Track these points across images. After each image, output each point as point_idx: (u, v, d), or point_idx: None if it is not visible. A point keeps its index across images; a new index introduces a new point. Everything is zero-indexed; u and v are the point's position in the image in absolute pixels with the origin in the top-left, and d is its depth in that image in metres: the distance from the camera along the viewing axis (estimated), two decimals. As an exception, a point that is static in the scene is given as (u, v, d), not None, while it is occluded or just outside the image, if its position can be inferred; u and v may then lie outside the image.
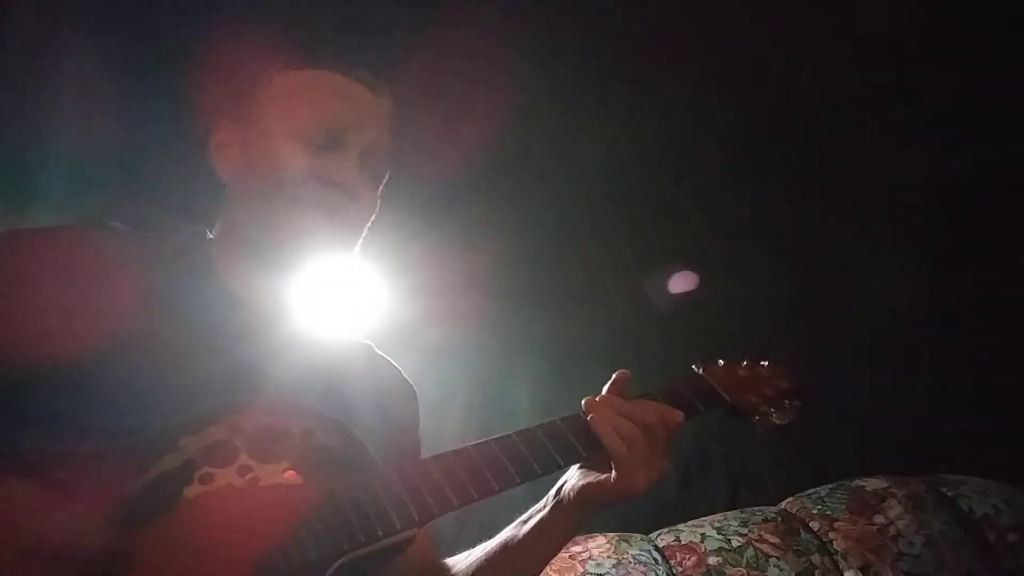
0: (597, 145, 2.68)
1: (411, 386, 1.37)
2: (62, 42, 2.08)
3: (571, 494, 1.15)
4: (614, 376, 1.21)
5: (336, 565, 0.91)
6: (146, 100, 2.13)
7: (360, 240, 1.28)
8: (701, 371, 1.30)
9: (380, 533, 0.94)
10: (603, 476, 1.12)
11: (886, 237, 2.80)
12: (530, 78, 2.48)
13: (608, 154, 2.70)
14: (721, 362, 1.32)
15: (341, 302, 2.27)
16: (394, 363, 1.38)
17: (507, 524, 1.24)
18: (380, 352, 1.37)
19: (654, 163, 2.72)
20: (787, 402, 1.30)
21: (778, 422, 1.28)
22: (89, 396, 0.97)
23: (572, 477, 1.17)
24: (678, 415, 1.15)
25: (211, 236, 1.26)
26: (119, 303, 1.04)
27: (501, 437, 1.09)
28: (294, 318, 1.23)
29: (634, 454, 1.10)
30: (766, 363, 1.36)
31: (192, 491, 0.91)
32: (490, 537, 1.24)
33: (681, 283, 2.77)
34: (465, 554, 1.24)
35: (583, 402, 1.17)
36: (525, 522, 1.19)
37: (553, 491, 1.19)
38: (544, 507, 1.19)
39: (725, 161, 2.76)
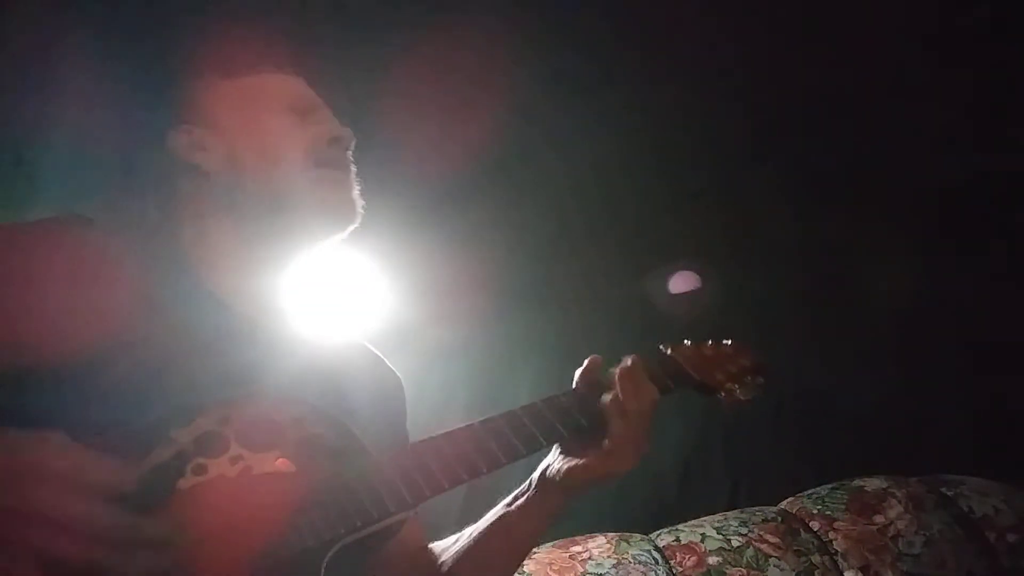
0: (599, 144, 2.68)
1: (396, 374, 1.39)
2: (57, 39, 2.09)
3: (556, 477, 1.18)
4: (586, 362, 1.25)
5: (334, 550, 0.92)
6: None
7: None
8: (669, 351, 1.35)
9: (375, 516, 0.96)
10: (586, 459, 1.16)
11: (888, 237, 2.80)
12: (531, 77, 2.49)
13: (609, 153, 2.70)
14: (687, 342, 1.37)
15: (341, 302, 2.28)
16: (380, 354, 1.39)
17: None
18: (369, 346, 1.39)
19: (656, 163, 2.72)
20: (749, 378, 1.36)
21: (742, 398, 1.34)
22: (75, 394, 0.96)
23: (554, 460, 1.21)
24: (654, 391, 1.20)
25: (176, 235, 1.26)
26: (102, 301, 1.04)
27: (486, 420, 1.12)
28: (279, 318, 1.24)
29: (628, 433, 1.15)
30: (729, 342, 1.41)
31: (186, 482, 0.91)
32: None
33: (682, 283, 2.77)
34: (453, 537, 1.27)
35: (582, 377, 1.23)
36: (510, 505, 1.23)
37: (536, 474, 1.22)
38: (528, 491, 1.22)
39: (727, 161, 2.76)
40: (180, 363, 1.04)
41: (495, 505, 1.26)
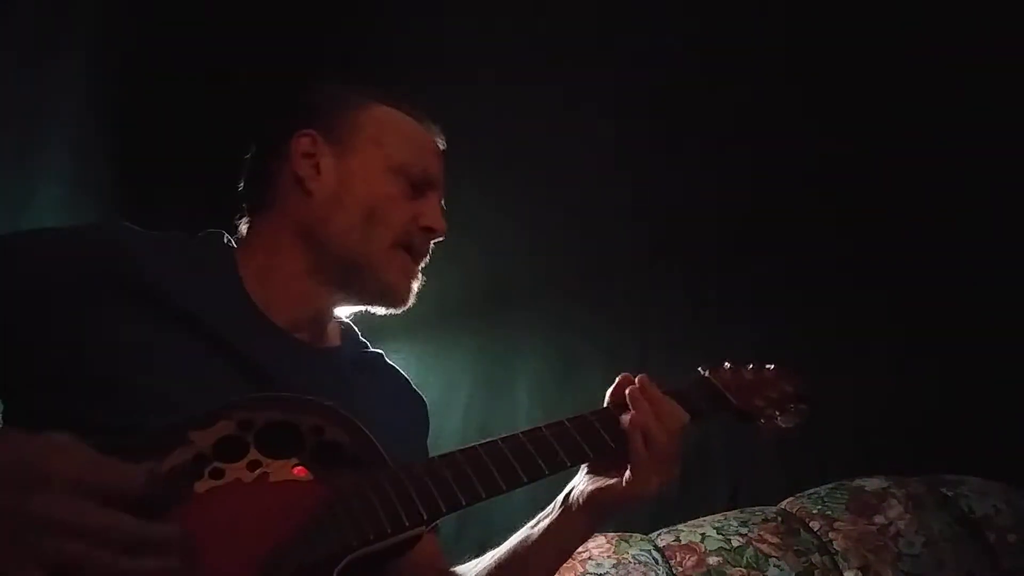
0: (598, 143, 2.68)
1: (421, 397, 1.39)
2: (64, 41, 2.09)
3: (580, 499, 1.16)
4: (618, 380, 1.21)
5: (345, 561, 0.91)
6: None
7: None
8: (707, 374, 1.30)
9: (389, 530, 0.94)
10: (612, 480, 1.13)
11: (887, 237, 2.80)
12: (536, 81, 2.50)
13: (608, 154, 2.70)
14: (727, 365, 1.33)
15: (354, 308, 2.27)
16: (403, 373, 1.39)
17: (510, 524, 1.24)
18: (390, 362, 1.39)
19: (655, 165, 2.73)
20: (792, 406, 1.31)
21: (783, 426, 1.29)
22: (99, 393, 0.98)
23: (580, 482, 1.18)
24: (683, 414, 1.17)
25: (231, 238, 1.28)
26: (132, 302, 1.05)
27: (508, 436, 1.08)
28: (308, 330, 1.24)
29: (652, 456, 1.11)
30: (771, 366, 1.36)
31: (202, 485, 0.91)
32: (491, 536, 1.25)
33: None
34: (474, 562, 1.24)
35: (612, 395, 1.19)
36: (534, 527, 1.20)
37: (561, 496, 1.19)
38: (552, 512, 1.19)
39: (726, 162, 2.76)
40: (205, 364, 1.05)
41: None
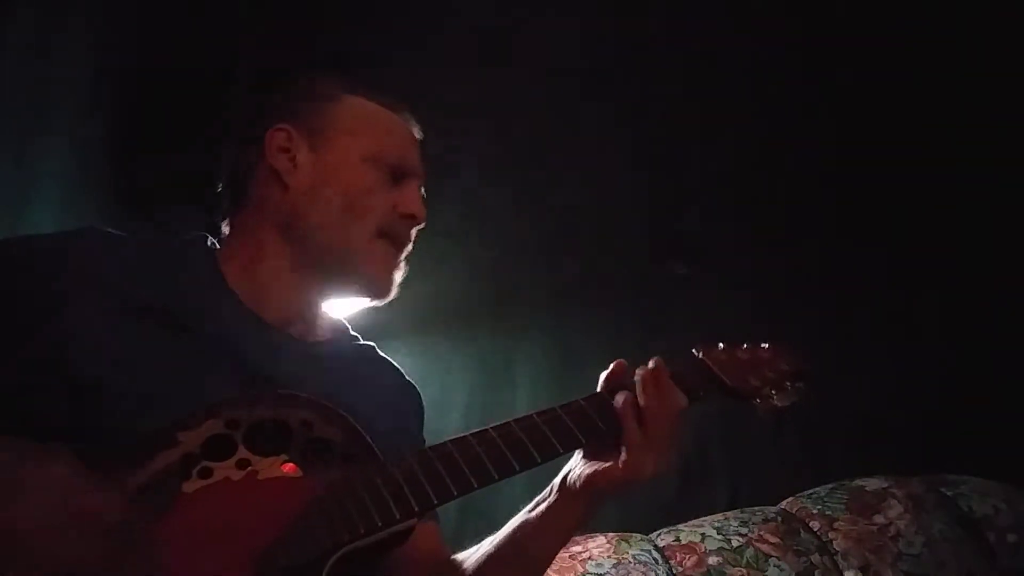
0: (599, 142, 2.68)
1: (415, 388, 1.39)
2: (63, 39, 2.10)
3: (576, 483, 1.14)
4: (612, 366, 1.19)
5: (336, 556, 0.91)
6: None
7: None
8: (701, 355, 1.28)
9: (380, 524, 0.94)
10: (608, 464, 1.11)
11: (888, 236, 2.80)
12: (538, 81, 2.50)
13: (609, 151, 2.70)
14: (721, 345, 1.30)
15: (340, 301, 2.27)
16: (396, 364, 1.39)
17: (507, 513, 1.24)
18: (383, 354, 1.38)
19: (655, 164, 2.73)
20: (789, 384, 1.28)
21: (779, 404, 1.26)
22: (86, 398, 0.97)
23: (576, 466, 1.16)
24: (683, 399, 1.14)
25: (215, 240, 1.28)
26: (112, 306, 1.05)
27: (500, 425, 1.07)
28: (294, 324, 1.24)
29: (647, 438, 1.09)
30: (767, 345, 1.33)
31: (190, 486, 0.91)
32: (491, 527, 1.24)
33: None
34: (474, 548, 1.23)
35: (607, 380, 1.17)
36: (531, 512, 1.18)
37: (557, 480, 1.18)
38: (549, 497, 1.18)
39: (727, 162, 2.76)
40: (191, 363, 1.05)
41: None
